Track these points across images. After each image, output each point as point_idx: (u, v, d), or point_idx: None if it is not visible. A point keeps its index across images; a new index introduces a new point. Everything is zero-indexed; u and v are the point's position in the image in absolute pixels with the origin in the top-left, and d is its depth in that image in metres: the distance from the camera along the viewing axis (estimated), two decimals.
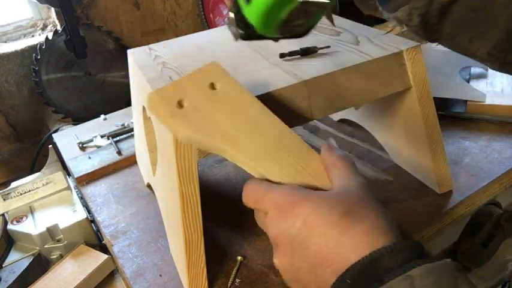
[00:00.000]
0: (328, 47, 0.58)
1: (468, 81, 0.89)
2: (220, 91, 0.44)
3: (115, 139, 0.88)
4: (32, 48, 1.34)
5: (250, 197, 0.41)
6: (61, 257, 0.68)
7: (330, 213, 0.35)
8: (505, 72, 0.45)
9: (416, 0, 0.42)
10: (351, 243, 0.34)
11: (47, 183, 0.74)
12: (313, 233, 0.35)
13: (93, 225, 0.72)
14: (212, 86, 0.45)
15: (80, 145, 0.87)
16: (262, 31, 0.42)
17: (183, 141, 0.44)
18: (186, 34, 0.69)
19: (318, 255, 0.35)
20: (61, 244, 0.68)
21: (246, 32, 0.45)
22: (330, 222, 0.35)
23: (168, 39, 0.68)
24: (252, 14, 0.40)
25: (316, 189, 0.39)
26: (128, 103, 0.96)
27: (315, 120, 0.86)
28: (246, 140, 0.41)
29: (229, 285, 0.55)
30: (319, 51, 0.57)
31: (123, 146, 0.86)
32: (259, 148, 0.41)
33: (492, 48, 0.43)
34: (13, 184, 0.74)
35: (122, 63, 1.47)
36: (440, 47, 1.03)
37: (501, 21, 0.41)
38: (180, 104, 0.43)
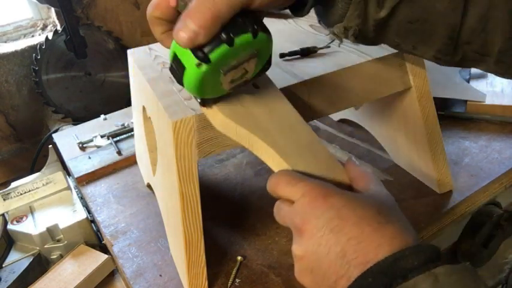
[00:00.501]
0: (328, 47, 0.58)
1: (468, 81, 0.89)
2: (262, 90, 0.46)
3: (115, 139, 0.88)
4: (32, 48, 1.34)
5: (281, 183, 0.39)
6: (61, 257, 0.68)
7: (364, 209, 0.36)
8: (454, 65, 0.46)
9: (349, 20, 0.43)
10: (381, 240, 0.34)
11: (47, 183, 0.74)
12: (345, 224, 0.35)
13: (93, 225, 0.72)
14: (255, 85, 0.46)
15: (80, 145, 0.87)
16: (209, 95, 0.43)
17: (218, 128, 0.45)
18: None
19: (347, 245, 0.34)
20: (61, 244, 0.68)
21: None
22: (364, 217, 0.35)
23: None
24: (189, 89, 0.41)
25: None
26: (128, 103, 0.96)
27: (315, 120, 0.86)
28: (281, 136, 0.42)
29: (229, 285, 0.55)
30: (319, 51, 0.57)
31: (123, 146, 0.86)
32: (291, 146, 0.41)
33: (437, 52, 0.44)
34: (13, 184, 0.74)
35: (122, 63, 1.47)
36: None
37: (441, 30, 0.42)
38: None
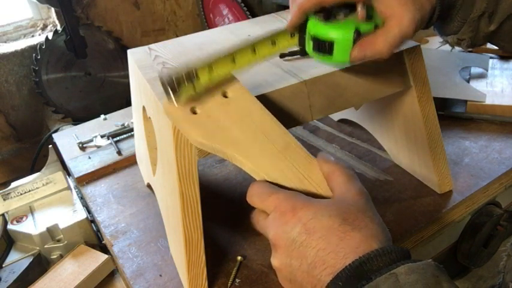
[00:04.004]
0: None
1: (468, 81, 0.89)
2: (232, 100, 0.45)
3: (115, 139, 0.87)
4: (32, 48, 1.34)
5: (255, 196, 0.42)
6: (61, 257, 0.68)
7: (330, 219, 0.37)
8: None
9: (463, 33, 0.53)
10: (347, 248, 0.36)
11: (47, 183, 0.74)
12: (313, 236, 0.37)
13: (93, 225, 0.72)
14: (224, 94, 0.46)
15: (80, 145, 0.87)
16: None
17: (197, 146, 0.45)
18: (186, 34, 0.69)
19: (316, 258, 0.36)
20: (61, 244, 0.67)
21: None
22: (330, 228, 0.37)
23: (168, 39, 0.68)
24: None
25: (317, 197, 0.41)
26: (128, 103, 0.96)
27: (315, 120, 0.86)
28: (254, 148, 0.43)
29: (229, 285, 0.55)
30: None
31: (123, 146, 0.86)
32: (266, 157, 0.42)
33: None
34: (13, 184, 0.74)
35: (122, 63, 1.47)
36: (440, 47, 1.03)
37: None
38: (193, 111, 0.44)
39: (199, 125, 0.44)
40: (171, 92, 0.43)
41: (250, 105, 0.45)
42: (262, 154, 0.42)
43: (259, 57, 0.45)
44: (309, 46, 0.46)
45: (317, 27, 0.44)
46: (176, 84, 0.43)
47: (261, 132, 0.43)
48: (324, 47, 0.45)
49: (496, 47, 1.00)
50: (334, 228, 0.37)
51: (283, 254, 0.39)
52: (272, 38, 0.45)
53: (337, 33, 0.43)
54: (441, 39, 0.57)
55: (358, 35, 0.43)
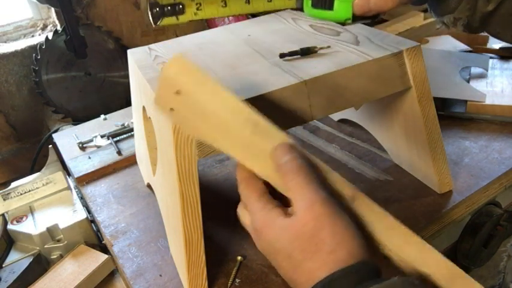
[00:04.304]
0: (328, 47, 0.58)
1: (468, 81, 0.89)
2: (185, 96, 0.40)
3: (115, 139, 0.87)
4: (32, 48, 1.34)
5: (241, 196, 0.42)
6: (61, 257, 0.68)
7: (292, 240, 0.36)
8: None
9: (459, 12, 0.51)
10: (313, 267, 0.34)
11: (47, 183, 0.74)
12: (278, 255, 0.37)
13: (93, 225, 0.72)
14: (178, 93, 0.41)
15: (80, 145, 0.87)
16: None
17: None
18: (186, 34, 0.69)
19: (286, 276, 0.37)
20: (61, 244, 0.67)
21: None
22: (294, 247, 0.35)
23: (168, 39, 0.68)
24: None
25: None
26: (128, 103, 0.97)
27: (315, 120, 0.86)
28: (223, 140, 0.40)
29: (229, 285, 0.55)
30: (319, 51, 0.57)
31: (123, 146, 0.86)
32: (234, 148, 0.40)
33: None
34: (13, 184, 0.74)
35: (122, 63, 1.47)
36: (440, 47, 1.03)
37: None
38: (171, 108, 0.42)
39: (176, 119, 0.42)
40: (151, 17, 0.42)
41: (207, 97, 0.40)
42: (231, 146, 0.40)
43: (253, 9, 0.44)
44: (308, 4, 0.44)
45: None
46: (159, 12, 0.42)
47: (223, 125, 0.40)
48: (324, 0, 0.42)
49: (496, 47, 1.00)
50: (298, 248, 0.35)
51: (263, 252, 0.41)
52: None
53: None
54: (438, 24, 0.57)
55: None
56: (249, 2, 0.43)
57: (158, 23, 0.42)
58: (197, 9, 0.42)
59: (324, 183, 0.38)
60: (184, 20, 0.43)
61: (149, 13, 0.42)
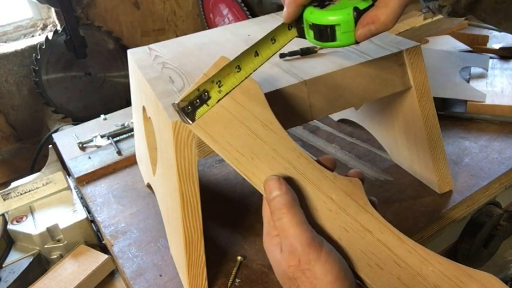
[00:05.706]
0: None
1: (468, 81, 0.89)
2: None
3: (115, 139, 0.88)
4: (32, 48, 1.34)
5: (269, 207, 0.42)
6: (61, 257, 0.68)
7: (281, 275, 0.39)
8: None
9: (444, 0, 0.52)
10: None
11: (47, 183, 0.74)
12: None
13: (93, 225, 0.72)
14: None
15: (80, 145, 0.87)
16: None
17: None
18: (186, 34, 0.69)
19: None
20: (61, 244, 0.67)
21: None
22: (283, 281, 0.39)
23: (168, 39, 0.68)
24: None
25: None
26: (128, 103, 0.97)
27: (315, 120, 0.86)
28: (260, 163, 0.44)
29: (229, 285, 0.55)
30: (319, 51, 0.57)
31: (123, 146, 0.86)
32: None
33: None
34: (13, 184, 0.74)
35: (122, 63, 1.47)
36: (440, 47, 1.03)
37: None
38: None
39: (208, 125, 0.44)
40: (186, 117, 0.44)
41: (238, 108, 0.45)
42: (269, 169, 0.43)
43: (263, 59, 0.45)
44: (310, 35, 0.45)
45: (314, 15, 0.43)
46: (191, 109, 0.43)
47: (250, 138, 0.44)
48: (326, 34, 0.43)
49: (496, 47, 1.00)
50: (283, 283, 0.39)
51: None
52: (271, 36, 0.45)
53: (336, 16, 0.42)
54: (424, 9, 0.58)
55: (358, 14, 0.42)
56: (257, 54, 0.45)
57: (196, 119, 0.44)
58: (219, 86, 0.44)
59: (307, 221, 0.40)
60: (213, 103, 0.44)
61: (183, 116, 0.43)
